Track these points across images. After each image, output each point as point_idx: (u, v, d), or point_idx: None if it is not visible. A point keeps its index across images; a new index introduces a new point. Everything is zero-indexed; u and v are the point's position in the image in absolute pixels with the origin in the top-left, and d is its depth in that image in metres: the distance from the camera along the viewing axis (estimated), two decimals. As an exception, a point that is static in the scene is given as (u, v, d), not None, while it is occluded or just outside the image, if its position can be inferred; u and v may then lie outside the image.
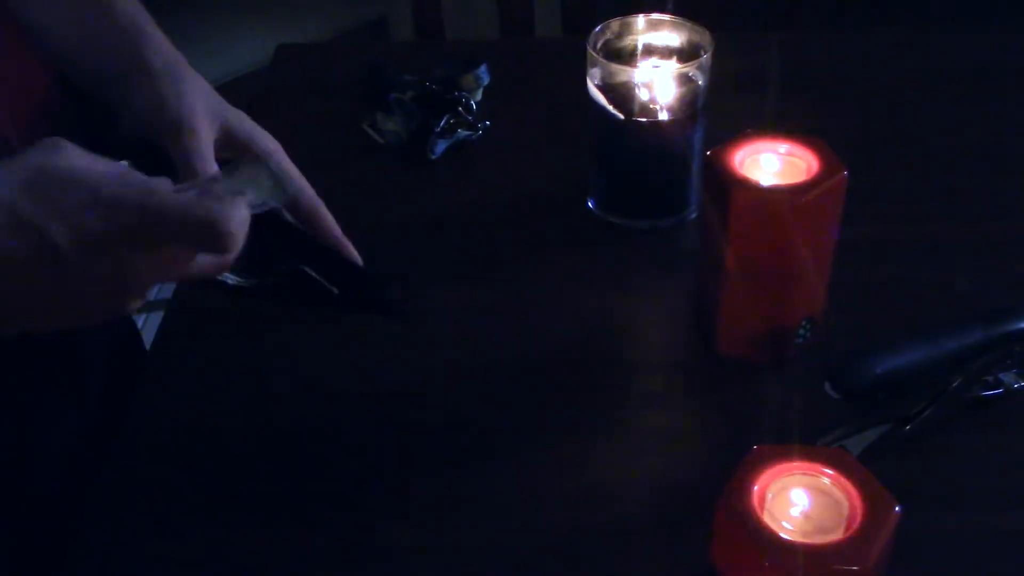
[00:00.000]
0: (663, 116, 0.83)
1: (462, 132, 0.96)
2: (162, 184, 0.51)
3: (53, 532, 0.72)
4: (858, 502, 0.54)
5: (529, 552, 0.64)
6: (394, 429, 0.73)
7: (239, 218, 0.50)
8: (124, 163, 0.53)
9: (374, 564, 0.64)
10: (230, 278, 0.60)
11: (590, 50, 0.82)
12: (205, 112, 0.64)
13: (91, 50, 0.68)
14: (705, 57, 0.81)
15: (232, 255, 0.52)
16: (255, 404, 0.75)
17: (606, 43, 0.84)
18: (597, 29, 0.84)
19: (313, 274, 0.62)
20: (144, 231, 0.49)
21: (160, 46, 0.68)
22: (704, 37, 0.83)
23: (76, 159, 0.50)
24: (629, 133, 0.84)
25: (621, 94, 0.83)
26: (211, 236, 0.49)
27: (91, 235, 0.48)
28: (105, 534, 0.67)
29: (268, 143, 0.67)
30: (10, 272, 0.48)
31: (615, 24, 0.85)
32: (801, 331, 0.73)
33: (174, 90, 0.65)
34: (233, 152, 0.66)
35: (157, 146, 0.64)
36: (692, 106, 0.83)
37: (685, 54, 0.84)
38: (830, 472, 0.55)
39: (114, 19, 0.68)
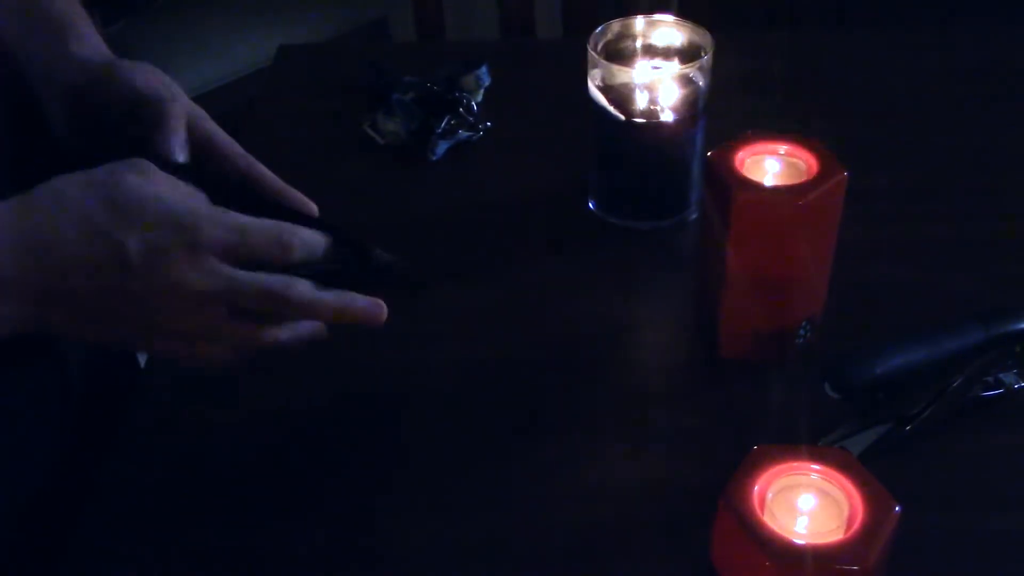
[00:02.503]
0: (664, 117, 0.83)
1: (463, 133, 0.96)
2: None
3: (49, 533, 0.72)
4: (858, 502, 0.54)
5: (529, 552, 0.65)
6: (394, 429, 0.73)
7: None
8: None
9: (374, 564, 0.65)
10: None
11: (591, 51, 0.82)
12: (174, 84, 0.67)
13: (18, 38, 0.69)
14: (706, 58, 0.81)
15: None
16: (253, 405, 0.75)
17: (607, 44, 0.85)
18: (598, 30, 0.84)
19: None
20: (212, 246, 0.55)
21: (91, 39, 0.69)
22: (705, 38, 0.83)
23: (159, 182, 0.55)
24: (630, 134, 0.84)
25: (622, 95, 0.83)
26: (280, 248, 0.57)
27: (160, 246, 0.53)
28: (101, 536, 0.67)
29: (197, 110, 0.67)
30: (82, 272, 0.53)
31: (616, 25, 0.85)
32: (801, 331, 0.73)
33: (117, 63, 0.67)
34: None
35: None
36: (693, 107, 0.83)
37: (686, 55, 0.84)
38: (831, 472, 0.56)
39: (45, 13, 0.69)
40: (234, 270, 0.56)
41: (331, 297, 0.60)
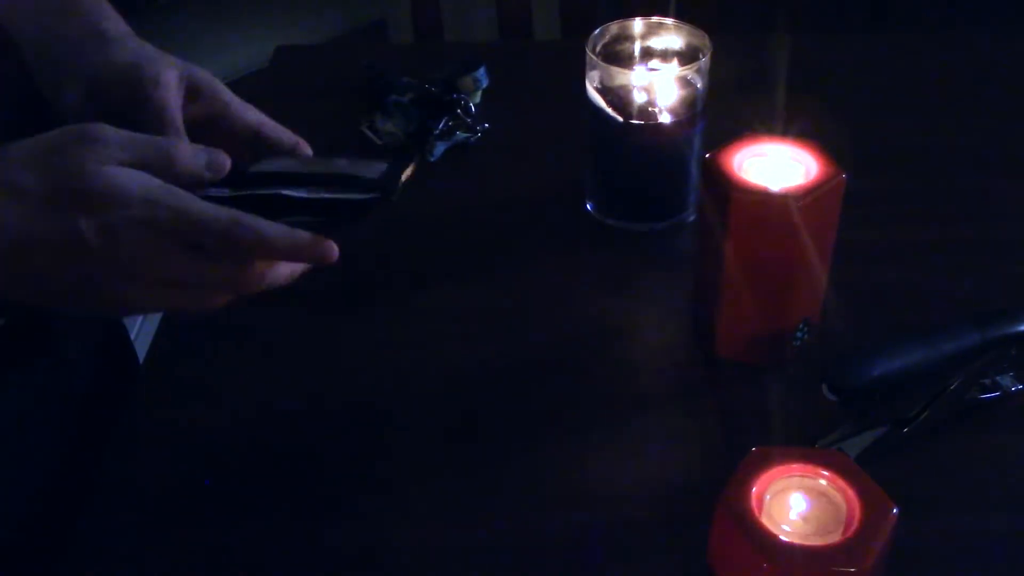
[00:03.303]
0: (662, 119, 0.83)
1: (460, 134, 0.96)
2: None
3: (49, 533, 0.72)
4: (856, 504, 0.54)
5: (528, 553, 0.65)
6: (392, 430, 0.73)
7: (263, 229, 0.56)
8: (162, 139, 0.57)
9: (373, 565, 0.65)
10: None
11: (589, 53, 0.82)
12: (173, 68, 0.65)
13: (37, 18, 0.68)
14: (704, 60, 0.81)
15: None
16: (252, 407, 0.75)
17: (605, 46, 0.85)
18: (596, 32, 0.84)
19: (292, 194, 0.61)
20: (175, 229, 0.54)
21: (115, 16, 0.69)
22: (703, 40, 0.83)
23: (111, 151, 0.53)
24: (628, 136, 0.84)
25: (620, 97, 0.83)
26: (231, 243, 0.55)
27: (118, 228, 0.52)
28: (101, 537, 0.67)
29: (227, 94, 0.67)
30: (39, 256, 0.52)
31: (614, 27, 0.85)
32: (799, 333, 0.74)
33: (141, 50, 0.66)
34: (198, 105, 0.66)
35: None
36: (691, 109, 0.83)
37: (684, 57, 0.84)
38: (828, 474, 0.56)
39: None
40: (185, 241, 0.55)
41: (281, 234, 0.58)
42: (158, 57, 0.65)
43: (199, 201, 0.55)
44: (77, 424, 0.78)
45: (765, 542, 0.53)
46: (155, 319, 0.87)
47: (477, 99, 1.00)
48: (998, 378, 0.71)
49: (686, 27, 0.84)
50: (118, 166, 0.53)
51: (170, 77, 0.64)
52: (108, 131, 0.54)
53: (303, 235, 0.58)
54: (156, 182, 0.54)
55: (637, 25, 0.85)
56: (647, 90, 0.82)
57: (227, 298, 0.59)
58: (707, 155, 0.71)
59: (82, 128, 0.54)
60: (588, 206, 0.89)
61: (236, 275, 0.58)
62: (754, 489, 0.55)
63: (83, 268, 0.53)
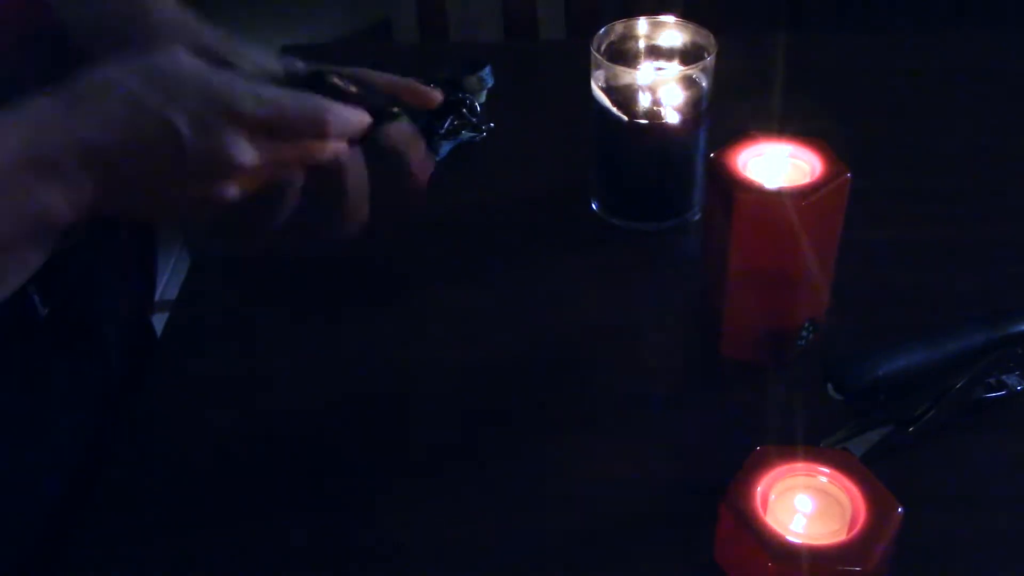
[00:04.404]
0: (667, 118, 0.83)
1: (466, 134, 0.96)
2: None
3: (53, 532, 0.72)
4: (861, 503, 0.54)
5: (530, 553, 0.65)
6: (394, 430, 0.73)
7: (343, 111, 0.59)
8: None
9: (375, 564, 0.65)
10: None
11: (594, 52, 0.82)
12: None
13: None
14: (709, 59, 0.81)
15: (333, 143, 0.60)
16: (256, 406, 0.75)
17: (610, 45, 0.85)
18: (601, 31, 0.84)
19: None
20: (255, 118, 0.56)
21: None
22: (708, 39, 0.83)
23: (189, 60, 0.56)
24: (632, 135, 0.84)
25: (625, 96, 0.83)
26: (316, 123, 0.58)
27: (207, 119, 0.54)
28: (104, 535, 0.67)
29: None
30: (135, 151, 0.54)
31: (619, 26, 0.85)
32: (804, 332, 0.73)
33: (183, 26, 0.69)
34: None
35: None
36: (695, 108, 0.83)
37: (689, 56, 0.84)
38: (833, 473, 0.56)
39: None
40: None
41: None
42: (198, 30, 0.69)
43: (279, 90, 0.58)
44: (112, 406, 0.78)
45: (770, 541, 0.53)
46: (160, 316, 0.87)
47: (482, 99, 1.00)
48: (1004, 377, 0.70)
49: (691, 26, 0.84)
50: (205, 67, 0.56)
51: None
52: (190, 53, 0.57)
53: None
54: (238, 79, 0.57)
55: (642, 24, 0.85)
56: (652, 89, 0.82)
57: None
58: (712, 154, 0.70)
59: (167, 48, 0.56)
60: (593, 205, 0.89)
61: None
62: (759, 488, 0.55)
63: (172, 162, 0.55)
